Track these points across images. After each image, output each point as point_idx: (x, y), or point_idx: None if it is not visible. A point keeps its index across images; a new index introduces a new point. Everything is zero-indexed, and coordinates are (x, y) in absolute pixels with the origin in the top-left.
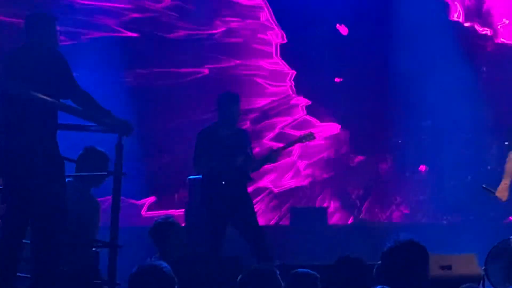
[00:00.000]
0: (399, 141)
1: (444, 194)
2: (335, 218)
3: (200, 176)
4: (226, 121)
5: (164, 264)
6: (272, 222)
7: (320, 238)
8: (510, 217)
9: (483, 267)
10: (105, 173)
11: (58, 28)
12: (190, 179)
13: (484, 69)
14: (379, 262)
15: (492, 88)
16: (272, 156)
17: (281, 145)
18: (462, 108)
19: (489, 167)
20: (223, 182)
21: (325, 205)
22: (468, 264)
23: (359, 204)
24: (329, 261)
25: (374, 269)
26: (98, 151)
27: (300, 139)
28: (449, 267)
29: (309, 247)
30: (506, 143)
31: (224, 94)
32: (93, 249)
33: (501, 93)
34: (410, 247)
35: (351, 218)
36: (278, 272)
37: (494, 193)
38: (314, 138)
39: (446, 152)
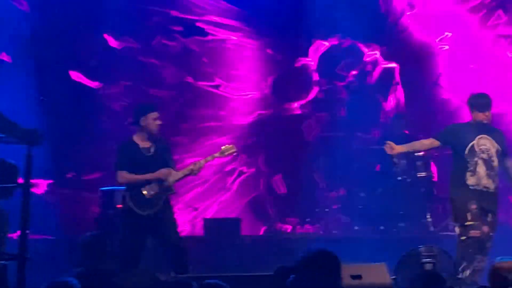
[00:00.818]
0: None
1: (354, 205)
2: (247, 229)
3: (113, 188)
4: (145, 131)
5: (74, 280)
6: (186, 233)
7: (233, 249)
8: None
9: (393, 276)
10: (14, 185)
11: None
12: (102, 190)
13: None
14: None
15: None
16: (193, 168)
17: (202, 158)
18: (365, 119)
19: (399, 178)
20: (144, 193)
21: (238, 216)
22: (378, 273)
23: (272, 216)
24: (241, 271)
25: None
26: (6, 163)
27: (222, 152)
28: (359, 277)
29: (222, 258)
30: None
31: (139, 105)
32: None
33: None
34: (321, 257)
35: (263, 229)
36: (195, 285)
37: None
38: (235, 151)
39: (356, 163)
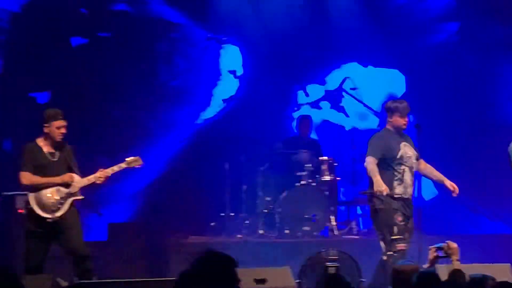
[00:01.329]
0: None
1: (259, 209)
2: (153, 234)
3: (15, 192)
4: (49, 137)
5: None
6: (91, 238)
7: (137, 254)
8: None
9: (297, 280)
10: None
11: None
12: (2, 195)
13: None
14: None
15: None
16: (100, 177)
17: (109, 168)
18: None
19: (304, 182)
20: (48, 196)
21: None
22: (282, 277)
23: (177, 220)
24: (148, 276)
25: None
26: None
27: (127, 163)
28: (263, 281)
29: (127, 262)
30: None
31: (45, 111)
32: None
33: None
34: (215, 260)
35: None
36: None
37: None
38: (141, 163)
39: (261, 167)
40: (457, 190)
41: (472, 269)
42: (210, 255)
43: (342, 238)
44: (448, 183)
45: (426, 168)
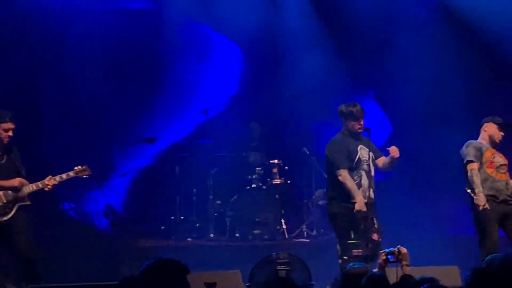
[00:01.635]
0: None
1: (210, 213)
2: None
3: None
4: None
5: None
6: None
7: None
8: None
9: (247, 284)
10: None
11: None
12: None
13: None
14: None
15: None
16: (48, 184)
17: (57, 175)
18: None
19: (254, 185)
20: None
21: None
22: (233, 280)
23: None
24: (96, 281)
25: None
26: None
27: (76, 172)
28: (213, 284)
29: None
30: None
31: None
32: None
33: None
34: (165, 265)
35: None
36: None
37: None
38: (89, 172)
39: (211, 171)
40: (396, 152)
41: (421, 272)
42: (160, 263)
43: (293, 241)
44: (391, 150)
45: (384, 163)
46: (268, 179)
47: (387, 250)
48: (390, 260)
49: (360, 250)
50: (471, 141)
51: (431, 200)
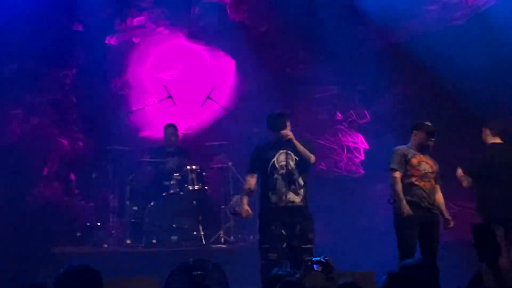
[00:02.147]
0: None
1: (125, 219)
2: None
3: None
4: None
5: None
6: None
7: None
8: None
9: None
10: None
11: None
12: None
13: None
14: None
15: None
16: None
17: None
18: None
19: (171, 191)
20: None
21: None
22: (149, 287)
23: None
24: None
25: None
26: None
27: None
28: None
29: None
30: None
31: None
32: None
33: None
34: (80, 273)
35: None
36: None
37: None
38: None
39: (128, 177)
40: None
41: (340, 277)
42: (73, 270)
43: (210, 247)
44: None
45: None
46: (186, 185)
47: (314, 259)
48: (315, 269)
49: (274, 254)
50: (398, 147)
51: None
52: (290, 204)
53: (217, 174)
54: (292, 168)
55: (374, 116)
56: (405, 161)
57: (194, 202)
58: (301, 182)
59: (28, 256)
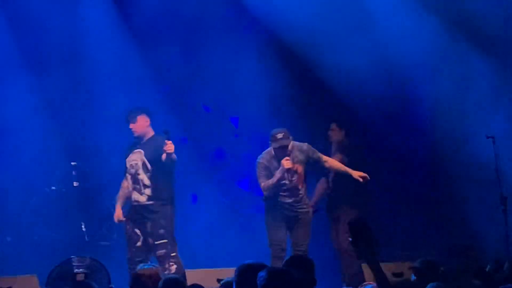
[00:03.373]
0: None
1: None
2: None
3: None
4: None
5: None
6: None
7: None
8: None
9: None
10: None
11: None
12: None
13: None
14: None
15: None
16: None
17: None
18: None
19: (53, 188)
20: None
21: None
22: (30, 285)
23: None
24: None
25: None
26: None
27: None
28: None
29: None
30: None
31: None
32: None
33: None
34: None
35: None
36: None
37: None
38: None
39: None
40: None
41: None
42: None
43: (94, 243)
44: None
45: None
46: (68, 182)
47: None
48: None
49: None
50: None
51: None
52: (136, 203)
53: (95, 170)
54: (138, 168)
55: None
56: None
57: (78, 198)
58: (146, 182)
59: None
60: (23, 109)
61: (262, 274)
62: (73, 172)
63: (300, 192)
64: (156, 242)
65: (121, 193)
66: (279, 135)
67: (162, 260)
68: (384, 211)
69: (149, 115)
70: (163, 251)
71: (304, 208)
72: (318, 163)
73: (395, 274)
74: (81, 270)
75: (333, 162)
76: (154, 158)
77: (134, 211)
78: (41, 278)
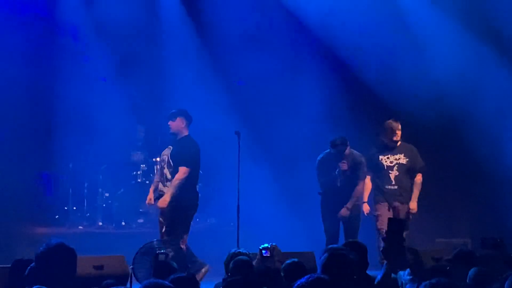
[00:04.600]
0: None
1: (97, 204)
2: None
3: None
4: None
5: None
6: None
7: None
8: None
9: (131, 266)
10: None
11: None
12: None
13: None
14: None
15: None
16: None
17: None
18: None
19: (139, 180)
20: None
21: None
22: (118, 263)
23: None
24: None
25: (27, 270)
26: None
27: None
28: (101, 267)
29: None
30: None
31: None
32: None
33: None
34: (58, 249)
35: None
36: None
37: None
38: None
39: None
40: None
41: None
42: (51, 248)
43: None
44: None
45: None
46: (151, 175)
47: (262, 246)
48: (264, 254)
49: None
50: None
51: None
52: (159, 193)
53: None
54: (165, 163)
55: None
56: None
57: None
58: (169, 176)
59: (12, 235)
60: (116, 112)
61: (324, 255)
62: (156, 166)
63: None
64: (165, 228)
65: (157, 179)
66: (338, 141)
67: (164, 243)
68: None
69: (187, 118)
70: (166, 238)
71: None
72: (355, 176)
73: (434, 259)
74: (162, 251)
75: (359, 186)
76: (176, 157)
77: (159, 199)
78: (128, 258)
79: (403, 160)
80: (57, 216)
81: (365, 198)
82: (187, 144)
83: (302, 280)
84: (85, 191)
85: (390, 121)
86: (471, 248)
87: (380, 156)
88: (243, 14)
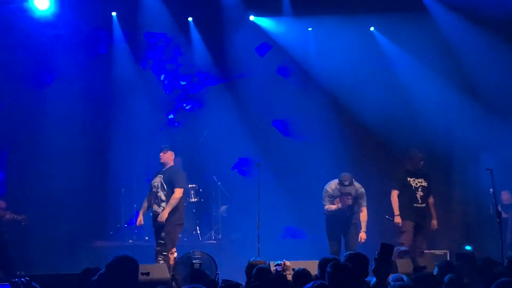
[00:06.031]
0: None
1: (144, 222)
2: None
3: None
4: None
5: None
6: None
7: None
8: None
9: (172, 273)
10: None
11: None
12: None
13: None
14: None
15: None
16: None
17: None
18: None
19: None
20: None
21: None
22: (161, 270)
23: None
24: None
25: (97, 276)
26: None
27: None
28: (147, 274)
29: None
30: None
31: None
32: None
33: None
34: (125, 260)
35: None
36: None
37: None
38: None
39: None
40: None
41: (295, 265)
42: (120, 258)
43: (205, 242)
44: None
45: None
46: (188, 198)
47: (275, 262)
48: (278, 270)
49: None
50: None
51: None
52: (155, 213)
53: (209, 190)
54: (159, 188)
55: None
56: None
57: (194, 210)
58: (163, 198)
59: (74, 247)
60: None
61: (328, 268)
62: (191, 191)
63: (353, 211)
64: (157, 241)
65: (145, 205)
66: (346, 182)
67: (155, 254)
68: None
69: (175, 152)
70: (158, 248)
71: (354, 220)
72: (359, 204)
73: (416, 268)
74: (197, 260)
75: (364, 213)
76: (168, 182)
77: (153, 218)
78: (169, 266)
79: (424, 183)
80: (111, 232)
81: (364, 228)
82: (178, 170)
83: (309, 285)
84: (134, 212)
85: (416, 151)
86: (449, 258)
87: (408, 178)
88: (264, 61)
